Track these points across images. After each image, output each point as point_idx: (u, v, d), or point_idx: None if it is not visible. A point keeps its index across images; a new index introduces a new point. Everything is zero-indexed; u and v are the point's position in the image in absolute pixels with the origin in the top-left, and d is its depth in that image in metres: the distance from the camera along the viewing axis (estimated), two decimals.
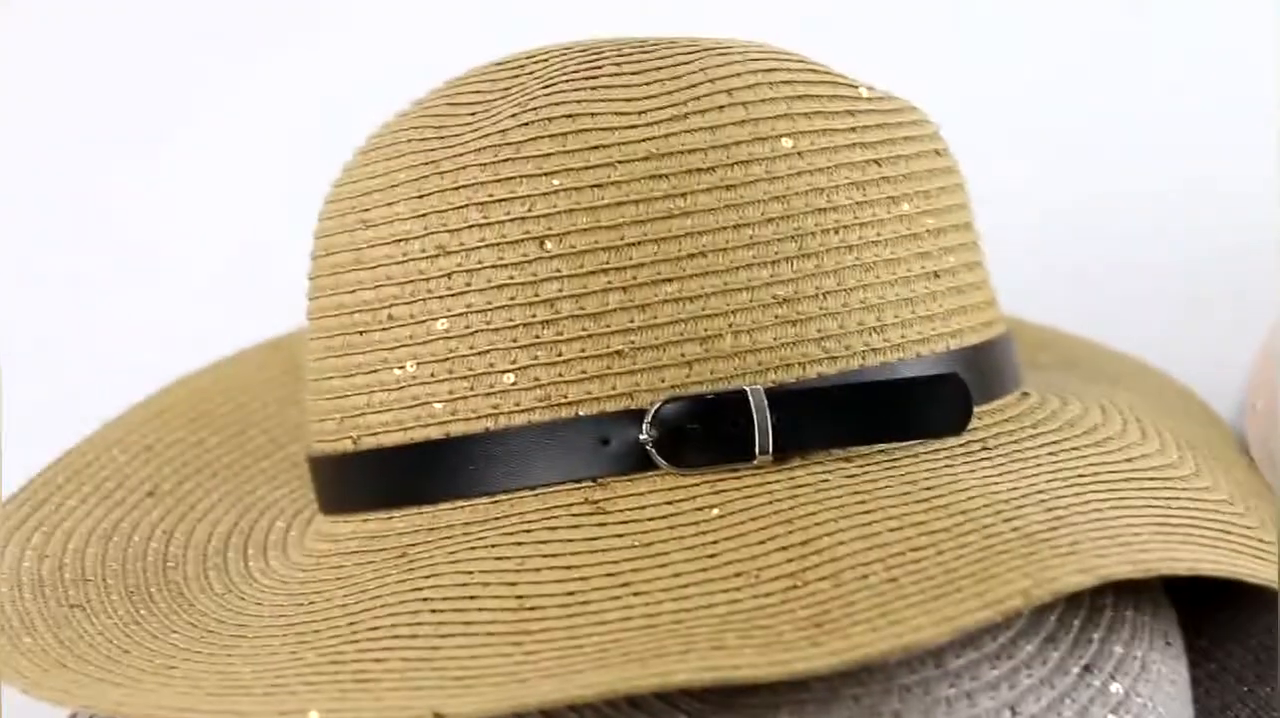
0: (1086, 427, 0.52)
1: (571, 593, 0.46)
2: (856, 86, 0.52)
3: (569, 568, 0.47)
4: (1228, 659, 0.54)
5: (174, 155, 0.84)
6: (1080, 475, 0.49)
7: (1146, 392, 0.61)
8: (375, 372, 0.51)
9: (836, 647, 0.42)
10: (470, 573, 0.47)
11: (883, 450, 0.49)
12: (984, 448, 0.50)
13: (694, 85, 0.50)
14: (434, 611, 0.46)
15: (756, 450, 0.48)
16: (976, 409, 0.50)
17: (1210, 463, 0.54)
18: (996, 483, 0.48)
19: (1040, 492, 0.47)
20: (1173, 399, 0.62)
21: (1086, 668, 0.47)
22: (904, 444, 0.49)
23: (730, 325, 0.48)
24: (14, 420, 0.73)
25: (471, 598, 0.47)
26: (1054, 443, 0.51)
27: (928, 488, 0.47)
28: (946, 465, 0.48)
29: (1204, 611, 0.54)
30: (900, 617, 0.42)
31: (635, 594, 0.45)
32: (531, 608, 0.46)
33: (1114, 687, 0.46)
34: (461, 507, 0.49)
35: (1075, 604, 0.48)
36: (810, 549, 0.45)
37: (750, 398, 0.48)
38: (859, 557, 0.45)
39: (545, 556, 0.47)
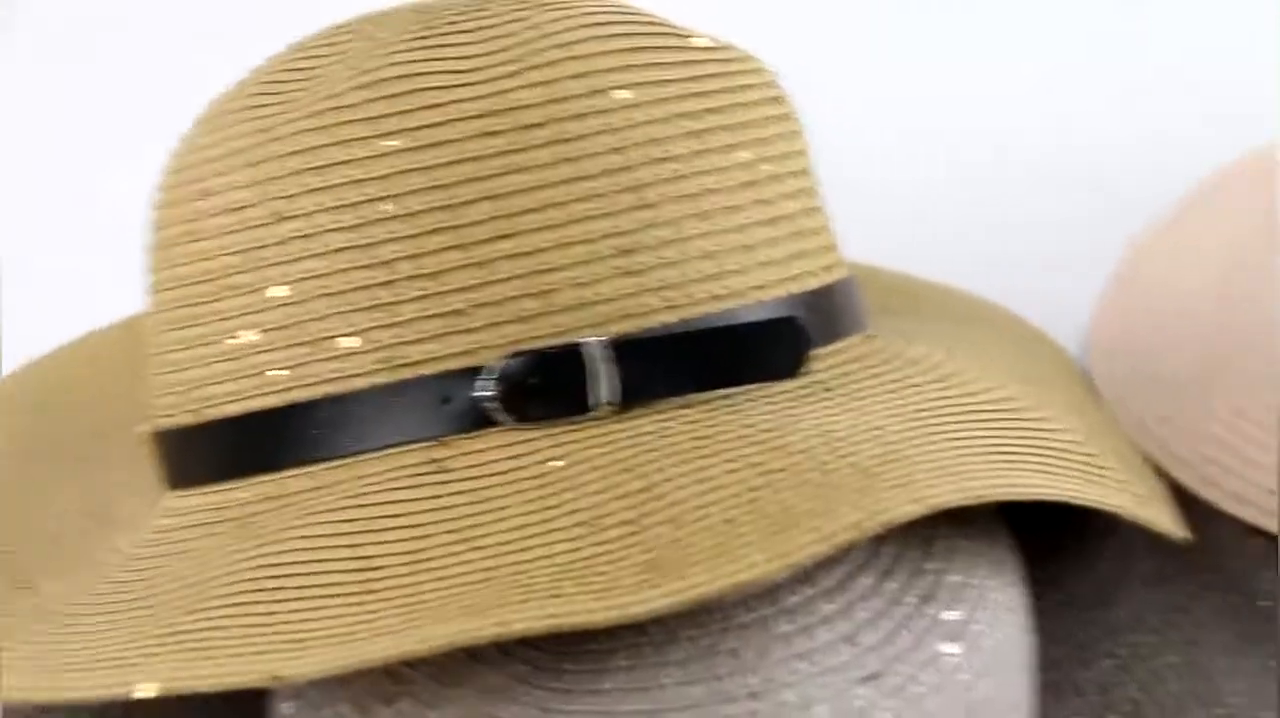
0: (928, 365, 0.52)
1: (413, 552, 0.46)
2: (690, 37, 0.52)
3: (411, 527, 0.46)
4: (1075, 587, 0.55)
5: None
6: (919, 411, 0.49)
7: (997, 332, 0.61)
8: (215, 342, 0.50)
9: (671, 588, 0.42)
10: (313, 538, 0.47)
11: (724, 396, 0.49)
12: (825, 389, 0.50)
13: (528, 41, 0.50)
14: (275, 577, 0.46)
15: (600, 400, 0.48)
16: (818, 352, 0.50)
17: (1055, 398, 0.54)
18: (835, 422, 0.48)
19: (877, 428, 0.48)
20: (1023, 339, 0.62)
21: (923, 598, 0.47)
22: (745, 389, 0.49)
23: (569, 279, 0.48)
24: None
25: (314, 562, 0.46)
26: (894, 381, 0.51)
27: (766, 430, 0.47)
28: (786, 407, 0.49)
29: (1051, 541, 0.55)
30: (735, 555, 0.42)
31: (475, 549, 0.45)
32: (374, 568, 0.45)
33: (950, 615, 0.46)
34: (305, 473, 0.49)
35: (912, 537, 0.49)
36: (650, 495, 0.45)
37: (589, 350, 0.48)
38: (697, 500, 0.45)
39: (387, 517, 0.47)
